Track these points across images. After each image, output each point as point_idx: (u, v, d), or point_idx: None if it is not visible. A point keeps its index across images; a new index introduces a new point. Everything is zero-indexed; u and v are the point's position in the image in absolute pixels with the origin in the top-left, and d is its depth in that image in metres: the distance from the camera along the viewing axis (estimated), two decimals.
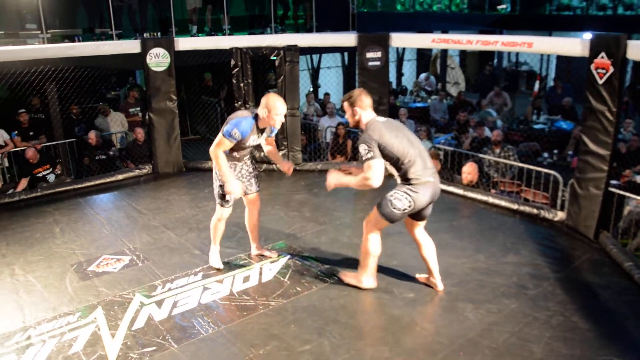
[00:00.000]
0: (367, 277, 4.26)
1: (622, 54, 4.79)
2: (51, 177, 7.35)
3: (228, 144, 4.20)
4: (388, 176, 3.91)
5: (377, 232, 4.09)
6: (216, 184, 4.50)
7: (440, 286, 4.27)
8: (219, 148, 4.19)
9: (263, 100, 4.17)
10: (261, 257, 4.94)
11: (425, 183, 3.84)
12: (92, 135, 7.82)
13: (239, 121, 4.17)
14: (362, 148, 3.78)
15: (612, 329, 3.78)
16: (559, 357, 3.47)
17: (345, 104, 4.00)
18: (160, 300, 4.25)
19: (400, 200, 3.85)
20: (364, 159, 3.78)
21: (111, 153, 7.98)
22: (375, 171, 3.74)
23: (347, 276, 4.41)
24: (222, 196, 4.51)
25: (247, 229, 4.93)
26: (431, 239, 4.21)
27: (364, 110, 3.93)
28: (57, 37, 8.56)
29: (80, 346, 3.69)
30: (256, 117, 4.24)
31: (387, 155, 3.82)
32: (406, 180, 3.86)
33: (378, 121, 3.90)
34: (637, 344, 3.63)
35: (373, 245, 4.10)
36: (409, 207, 3.85)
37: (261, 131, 4.32)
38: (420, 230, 4.19)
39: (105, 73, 9.05)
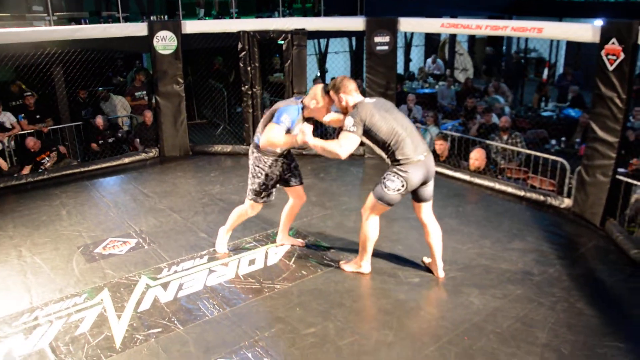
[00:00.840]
0: (366, 262, 4.30)
1: (634, 40, 4.72)
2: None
3: (278, 131, 3.98)
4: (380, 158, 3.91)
5: (376, 217, 4.12)
6: (254, 180, 4.36)
7: (440, 274, 4.26)
8: (276, 138, 4.00)
9: (312, 92, 4.10)
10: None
11: (416, 162, 3.83)
12: (99, 120, 7.82)
13: (287, 108, 4.04)
14: (348, 120, 3.82)
15: (617, 316, 3.78)
16: (563, 342, 3.47)
17: (331, 93, 3.97)
18: (166, 283, 4.27)
19: (392, 181, 3.87)
20: (345, 129, 3.81)
21: (120, 135, 7.97)
22: (348, 142, 3.78)
23: (347, 264, 4.42)
24: (258, 193, 4.41)
25: (282, 217, 4.83)
26: (439, 226, 4.20)
27: (349, 94, 3.94)
28: (64, 19, 8.55)
29: (87, 327, 3.72)
30: (302, 106, 4.13)
31: (373, 137, 3.86)
32: (396, 161, 3.85)
33: (368, 102, 3.91)
34: None
35: (372, 230, 4.13)
36: (402, 187, 3.86)
37: (306, 121, 4.20)
38: (426, 214, 4.15)
39: (112, 56, 9.00)
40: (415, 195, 4.06)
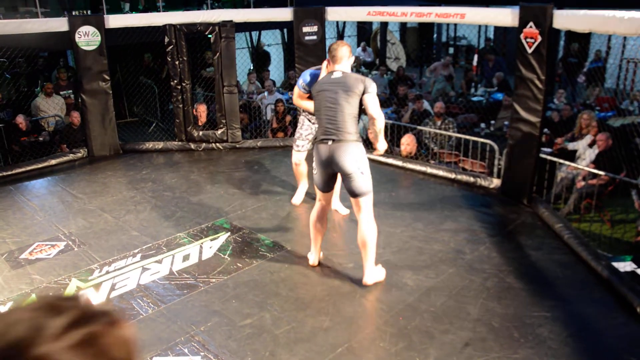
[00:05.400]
0: (310, 252, 4.27)
1: (549, 23, 4.91)
2: None
3: (298, 91, 4.59)
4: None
5: (316, 203, 4.06)
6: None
7: (365, 279, 3.92)
8: (294, 97, 4.68)
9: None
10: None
11: (320, 144, 3.79)
12: (20, 120, 7.46)
13: (304, 72, 4.68)
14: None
15: (543, 287, 3.94)
16: (493, 316, 3.58)
17: None
18: (97, 284, 4.14)
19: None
20: None
21: (41, 139, 7.62)
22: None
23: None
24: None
25: None
26: (369, 229, 3.82)
27: (330, 65, 3.99)
28: None
29: None
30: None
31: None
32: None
33: (325, 76, 3.96)
34: (565, 299, 3.79)
35: (311, 216, 4.11)
36: (314, 165, 3.89)
37: None
38: (356, 212, 3.87)
39: (32, 54, 8.61)
40: (345, 188, 3.84)
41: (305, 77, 4.54)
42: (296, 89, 4.62)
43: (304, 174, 5.41)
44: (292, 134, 7.73)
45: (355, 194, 3.76)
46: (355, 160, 3.69)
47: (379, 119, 3.80)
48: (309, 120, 5.11)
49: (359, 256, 4.33)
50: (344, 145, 3.70)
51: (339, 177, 3.97)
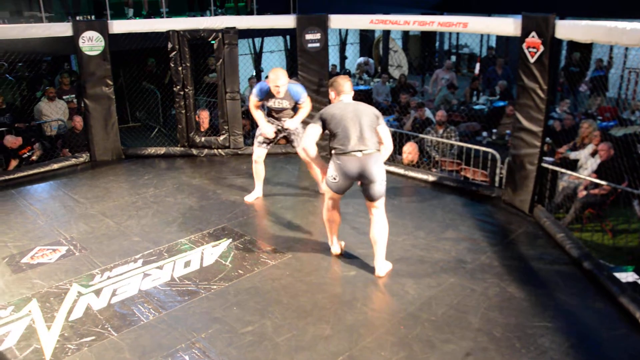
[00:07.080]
0: (331, 244, 4.57)
1: (552, 33, 4.92)
2: None
3: (253, 99, 5.39)
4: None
5: (328, 201, 4.33)
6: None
7: (378, 271, 4.22)
8: (250, 104, 5.48)
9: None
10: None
11: (349, 154, 3.98)
12: (10, 140, 7.35)
13: (258, 84, 5.43)
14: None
15: (545, 297, 3.93)
16: (495, 326, 3.58)
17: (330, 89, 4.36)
18: (98, 289, 4.14)
19: (330, 169, 4.13)
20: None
21: (34, 158, 7.55)
22: (306, 133, 4.23)
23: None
24: (260, 143, 5.65)
25: None
26: (382, 225, 4.17)
27: (338, 95, 4.24)
28: None
29: (14, 341, 3.55)
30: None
31: (327, 128, 4.12)
32: (332, 149, 4.09)
33: (336, 103, 4.20)
34: (567, 309, 3.78)
35: (325, 212, 4.41)
36: (336, 174, 4.08)
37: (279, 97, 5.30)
38: (372, 212, 4.19)
39: (35, 58, 8.62)
40: (364, 193, 4.13)
41: (256, 89, 5.35)
42: (252, 98, 5.40)
43: (262, 174, 5.79)
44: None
45: (374, 199, 4.10)
46: (381, 169, 4.06)
47: (391, 149, 4.24)
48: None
49: (360, 264, 4.34)
50: (373, 156, 4.02)
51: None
